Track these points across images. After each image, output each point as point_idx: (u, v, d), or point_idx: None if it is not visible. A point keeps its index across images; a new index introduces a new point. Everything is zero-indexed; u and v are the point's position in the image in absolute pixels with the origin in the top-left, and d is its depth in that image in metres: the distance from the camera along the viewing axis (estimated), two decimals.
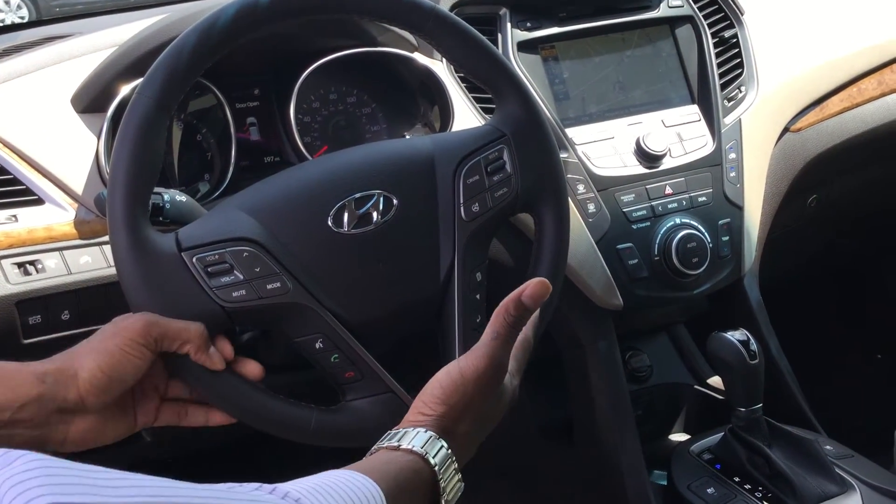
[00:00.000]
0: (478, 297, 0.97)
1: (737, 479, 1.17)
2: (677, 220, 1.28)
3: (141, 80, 0.87)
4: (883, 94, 1.58)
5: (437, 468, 0.74)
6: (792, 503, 1.11)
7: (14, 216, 1.02)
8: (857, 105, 1.56)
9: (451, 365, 0.80)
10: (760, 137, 1.41)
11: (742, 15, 1.45)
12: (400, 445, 0.74)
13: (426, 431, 0.75)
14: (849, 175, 1.68)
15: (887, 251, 2.09)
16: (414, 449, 0.74)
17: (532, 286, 0.78)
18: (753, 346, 1.15)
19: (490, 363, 0.78)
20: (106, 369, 0.81)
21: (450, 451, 0.75)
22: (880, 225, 1.99)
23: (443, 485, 0.74)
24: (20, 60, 1.15)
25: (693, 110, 1.38)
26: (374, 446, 0.76)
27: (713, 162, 1.34)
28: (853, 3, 1.63)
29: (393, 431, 0.77)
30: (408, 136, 1.28)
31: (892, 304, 2.14)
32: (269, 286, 0.88)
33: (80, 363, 0.81)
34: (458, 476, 0.76)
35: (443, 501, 0.74)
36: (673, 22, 1.40)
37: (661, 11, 1.38)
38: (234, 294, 0.86)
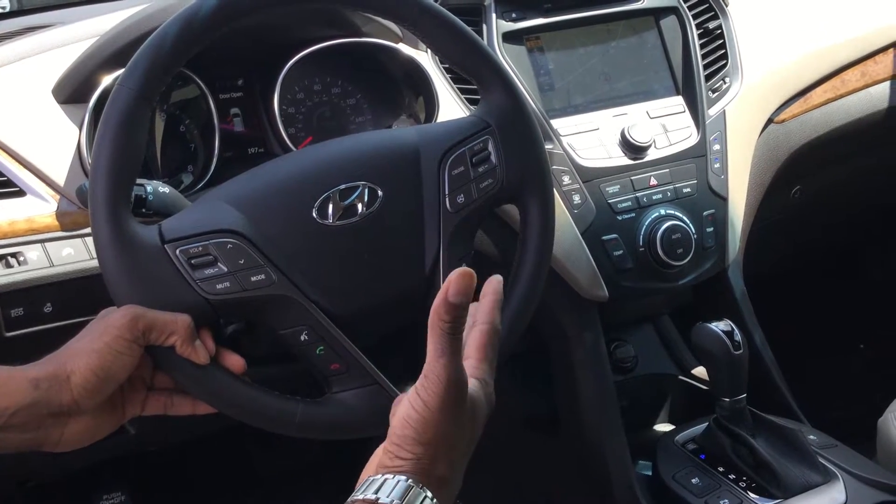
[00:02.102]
0: None
1: (721, 469, 1.17)
2: (662, 212, 1.29)
3: (123, 70, 0.86)
4: (866, 86, 1.59)
5: None
6: (776, 492, 1.12)
7: None
8: (841, 96, 1.56)
9: (412, 397, 0.71)
10: (745, 128, 1.41)
11: (726, 6, 1.45)
12: (378, 499, 0.67)
13: (406, 480, 0.69)
14: (832, 166, 1.68)
15: (871, 241, 2.10)
16: (393, 503, 0.67)
17: (454, 282, 0.68)
18: (737, 336, 1.15)
19: (448, 386, 0.70)
20: (98, 371, 0.81)
21: (434, 500, 0.69)
22: (864, 216, 2.00)
23: None
24: (0, 50, 1.14)
25: (678, 101, 1.38)
26: (350, 498, 0.70)
27: (698, 153, 1.34)
28: None
29: (370, 478, 0.70)
30: (393, 128, 1.27)
31: (876, 295, 2.15)
32: (253, 278, 0.87)
33: (71, 367, 0.80)
34: None
35: None
36: (658, 13, 1.40)
37: (645, 2, 1.38)
38: (219, 286, 0.86)
